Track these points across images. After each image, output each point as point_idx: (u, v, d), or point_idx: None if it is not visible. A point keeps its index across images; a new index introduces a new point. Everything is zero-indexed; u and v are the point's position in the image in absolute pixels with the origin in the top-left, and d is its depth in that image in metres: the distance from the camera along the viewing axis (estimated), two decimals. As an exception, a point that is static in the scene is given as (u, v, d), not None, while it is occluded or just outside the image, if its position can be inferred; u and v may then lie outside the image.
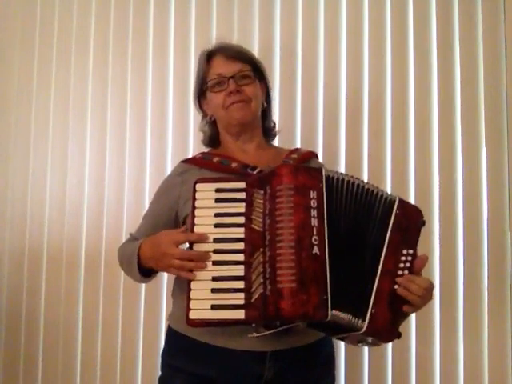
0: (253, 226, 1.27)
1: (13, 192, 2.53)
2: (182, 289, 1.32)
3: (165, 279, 2.17)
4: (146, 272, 1.45)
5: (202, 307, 1.23)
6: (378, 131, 2.05)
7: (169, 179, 1.57)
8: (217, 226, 1.28)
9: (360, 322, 1.23)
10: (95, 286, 2.33)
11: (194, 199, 1.31)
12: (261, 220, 1.26)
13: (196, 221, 1.29)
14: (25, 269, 2.47)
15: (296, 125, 2.13)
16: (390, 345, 1.98)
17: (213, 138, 1.63)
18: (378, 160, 2.04)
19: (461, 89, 1.98)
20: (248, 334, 1.26)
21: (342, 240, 1.26)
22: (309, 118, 2.12)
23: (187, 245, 1.32)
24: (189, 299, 1.24)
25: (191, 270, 1.26)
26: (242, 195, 1.31)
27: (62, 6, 2.48)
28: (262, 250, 1.24)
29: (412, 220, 1.34)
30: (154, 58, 2.32)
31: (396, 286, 1.27)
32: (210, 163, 1.50)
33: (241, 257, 1.25)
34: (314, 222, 1.23)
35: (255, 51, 2.11)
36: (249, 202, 1.29)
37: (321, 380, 1.47)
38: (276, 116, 2.08)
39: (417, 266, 1.30)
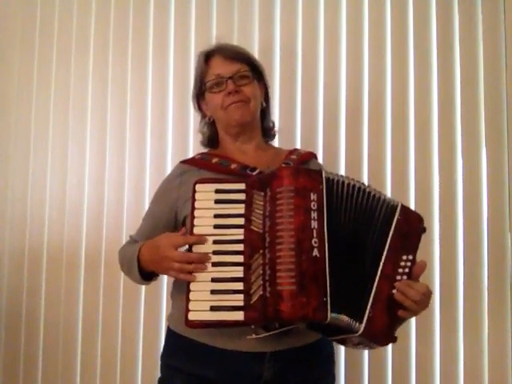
0: (252, 227, 1.27)
1: (13, 192, 2.53)
2: (181, 290, 1.32)
3: (165, 279, 2.17)
4: (147, 275, 1.45)
5: (201, 308, 1.23)
6: (378, 131, 2.05)
7: (168, 180, 1.57)
8: (216, 227, 1.28)
9: (357, 324, 1.23)
10: (95, 286, 2.33)
11: (194, 200, 1.31)
12: (260, 221, 1.26)
13: (195, 222, 1.29)
14: (25, 269, 2.47)
15: (296, 125, 2.13)
16: (390, 345, 1.97)
17: (212, 139, 1.63)
18: (378, 160, 2.04)
19: (461, 89, 1.98)
20: (247, 335, 1.26)
21: (342, 243, 1.26)
22: (309, 118, 2.12)
23: (187, 246, 1.32)
24: (188, 300, 1.24)
25: (190, 272, 1.26)
26: (242, 196, 1.30)
27: (62, 5, 2.48)
28: (261, 251, 1.24)
29: (413, 226, 1.34)
30: (153, 58, 2.32)
31: (394, 291, 1.27)
32: (209, 164, 1.50)
33: (240, 258, 1.25)
34: (314, 224, 1.22)
35: (255, 51, 2.12)
36: (248, 203, 1.29)
37: (321, 380, 1.47)
38: (276, 116, 2.09)
39: (415, 271, 1.31)
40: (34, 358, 2.44)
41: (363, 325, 1.23)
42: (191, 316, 1.22)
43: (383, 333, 1.27)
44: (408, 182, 2.00)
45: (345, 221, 1.29)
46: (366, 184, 1.35)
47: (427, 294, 1.30)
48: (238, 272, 1.25)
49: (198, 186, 1.32)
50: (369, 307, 1.25)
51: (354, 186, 1.32)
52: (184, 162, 1.57)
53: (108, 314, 2.31)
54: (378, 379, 2.00)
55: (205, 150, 1.64)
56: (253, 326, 1.25)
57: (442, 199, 1.97)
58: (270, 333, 1.25)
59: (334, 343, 1.51)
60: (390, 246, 1.29)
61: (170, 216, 1.50)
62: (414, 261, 1.31)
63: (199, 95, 1.60)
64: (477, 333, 1.91)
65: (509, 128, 1.92)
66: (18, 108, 2.54)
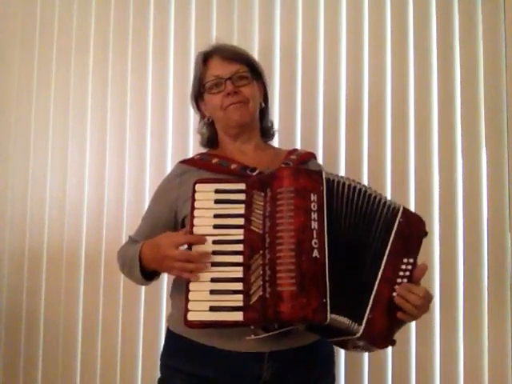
0: (252, 227, 1.27)
1: (13, 192, 2.53)
2: (180, 290, 1.32)
3: (165, 279, 2.16)
4: (149, 274, 1.45)
5: (200, 309, 1.22)
6: (378, 131, 2.05)
7: (168, 180, 1.57)
8: (216, 227, 1.28)
9: (356, 326, 1.23)
10: (95, 286, 2.33)
11: (194, 200, 1.31)
12: (260, 222, 1.26)
13: (195, 221, 1.29)
14: (25, 269, 2.47)
15: (296, 125, 2.12)
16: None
17: (211, 140, 1.63)
18: (378, 160, 2.04)
19: (461, 89, 1.98)
20: (246, 336, 1.26)
21: (342, 244, 1.26)
22: (309, 118, 2.12)
23: (186, 246, 1.31)
24: (187, 300, 1.23)
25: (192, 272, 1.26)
26: (242, 196, 1.30)
27: (62, 5, 2.48)
28: (261, 252, 1.24)
29: (414, 229, 1.34)
30: (154, 59, 2.32)
31: (394, 294, 1.27)
32: (208, 164, 1.50)
33: (240, 258, 1.25)
34: (314, 225, 1.22)
35: (255, 52, 2.12)
36: (248, 203, 1.29)
37: (321, 380, 1.47)
38: (276, 116, 2.10)
39: (416, 275, 1.30)
40: (33, 358, 2.44)
41: (362, 327, 1.23)
42: (190, 316, 1.22)
43: (382, 335, 1.27)
44: (408, 182, 2.00)
45: (345, 222, 1.29)
46: (367, 185, 1.34)
47: (427, 298, 1.29)
48: (238, 272, 1.24)
49: (198, 186, 1.32)
50: (368, 310, 1.24)
51: (354, 187, 1.31)
52: (183, 162, 1.57)
53: (108, 314, 2.31)
54: (378, 379, 1.99)
55: (204, 151, 1.64)
56: (252, 327, 1.25)
57: (442, 199, 1.97)
58: (270, 333, 1.24)
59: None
60: (390, 248, 1.29)
61: (170, 216, 1.50)
62: (414, 264, 1.30)
63: (198, 96, 1.60)
64: (477, 333, 1.91)
65: (509, 128, 1.92)
66: (18, 108, 2.54)
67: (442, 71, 2.00)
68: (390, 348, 1.97)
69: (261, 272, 1.22)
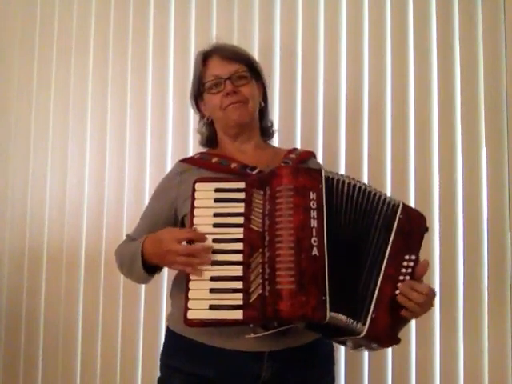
0: (252, 226, 1.27)
1: (13, 192, 2.53)
2: (180, 289, 1.32)
3: (165, 279, 2.17)
4: (150, 269, 1.44)
5: (200, 307, 1.22)
6: (378, 131, 2.05)
7: (168, 178, 1.57)
8: (216, 225, 1.29)
9: (360, 325, 1.23)
10: (95, 286, 2.33)
11: (194, 199, 1.31)
12: (260, 220, 1.26)
13: (195, 220, 1.29)
14: (25, 269, 2.47)
15: (296, 125, 2.13)
16: (389, 345, 1.98)
17: (210, 139, 1.63)
18: (377, 160, 2.04)
19: (461, 89, 1.98)
20: (246, 334, 1.26)
21: (342, 242, 1.26)
22: (309, 118, 2.12)
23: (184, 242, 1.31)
24: (187, 299, 1.24)
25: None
26: (242, 195, 1.31)
27: (62, 5, 2.48)
28: (261, 250, 1.24)
29: (415, 225, 1.33)
30: (153, 58, 2.32)
31: (397, 292, 1.26)
32: (208, 163, 1.50)
33: (239, 257, 1.25)
34: (314, 223, 1.22)
35: (255, 51, 2.12)
36: (248, 202, 1.29)
37: (320, 379, 1.47)
38: (276, 116, 2.10)
39: (418, 271, 1.30)
40: (33, 358, 2.44)
41: (366, 326, 1.23)
42: (190, 315, 1.22)
43: (386, 334, 1.26)
44: (408, 182, 2.00)
45: (345, 220, 1.29)
46: (366, 184, 1.34)
47: (431, 295, 1.28)
48: (238, 271, 1.25)
49: (198, 185, 1.32)
50: (372, 308, 1.24)
51: (354, 185, 1.31)
52: (183, 160, 1.57)
53: (108, 314, 2.30)
54: (378, 379, 1.99)
55: (204, 150, 1.64)
56: (252, 325, 1.25)
57: (442, 199, 1.97)
58: (269, 332, 1.24)
59: (334, 343, 1.52)
60: (392, 245, 1.29)
61: (170, 213, 1.50)
62: (416, 260, 1.30)
63: (198, 96, 1.61)
64: (477, 333, 1.91)
65: (509, 128, 1.92)
66: (18, 108, 2.54)
67: (441, 71, 2.00)
68: (390, 348, 1.97)
69: (260, 270, 1.22)
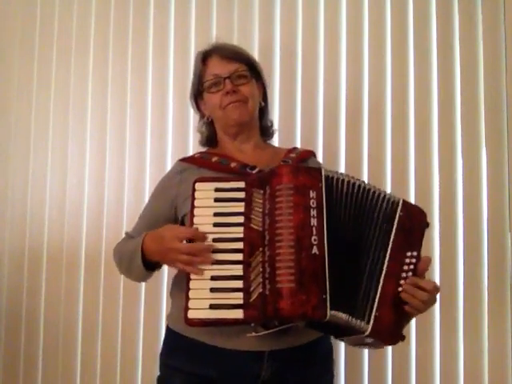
0: (252, 225, 1.27)
1: (13, 192, 2.53)
2: (180, 288, 1.32)
3: (165, 279, 2.17)
4: (150, 265, 1.44)
5: (200, 306, 1.23)
6: (378, 131, 2.05)
7: (168, 177, 1.57)
8: (216, 225, 1.29)
9: (364, 324, 1.23)
10: (95, 286, 2.33)
11: (194, 198, 1.31)
12: (260, 219, 1.26)
13: (195, 220, 1.30)
14: (25, 269, 2.47)
15: (296, 125, 2.13)
16: (389, 345, 1.98)
17: (210, 139, 1.63)
18: (377, 160, 2.04)
19: (461, 89, 1.98)
20: (246, 333, 1.26)
21: (342, 240, 1.26)
22: (309, 118, 2.12)
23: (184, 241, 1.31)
24: (187, 298, 1.24)
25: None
26: (242, 195, 1.31)
27: (62, 5, 2.48)
28: (261, 249, 1.24)
29: (416, 221, 1.33)
30: (153, 58, 2.32)
31: (400, 289, 1.26)
32: (208, 163, 1.50)
33: (240, 256, 1.25)
34: (314, 221, 1.22)
35: (255, 51, 2.12)
36: (248, 201, 1.30)
37: (320, 378, 1.47)
38: (276, 116, 2.10)
39: (421, 268, 1.30)
40: (33, 357, 2.43)
41: (370, 324, 1.23)
42: (190, 314, 1.22)
43: (391, 332, 1.27)
44: (408, 182, 2.00)
45: (345, 218, 1.29)
46: (366, 182, 1.34)
47: (434, 291, 1.29)
48: (238, 270, 1.25)
49: (198, 185, 1.32)
50: (375, 306, 1.24)
51: (353, 183, 1.31)
52: (184, 160, 1.57)
53: (108, 314, 2.30)
54: (378, 379, 1.99)
55: (204, 150, 1.64)
56: (252, 325, 1.25)
57: (442, 199, 1.97)
58: (270, 331, 1.24)
59: (333, 341, 1.52)
60: (393, 242, 1.28)
61: (170, 212, 1.50)
62: (418, 257, 1.30)
63: (197, 95, 1.61)
64: (477, 333, 1.91)
65: (509, 128, 1.92)
66: (18, 108, 2.54)
67: (441, 71, 2.00)
68: (390, 348, 1.98)
69: (261, 269, 1.22)
